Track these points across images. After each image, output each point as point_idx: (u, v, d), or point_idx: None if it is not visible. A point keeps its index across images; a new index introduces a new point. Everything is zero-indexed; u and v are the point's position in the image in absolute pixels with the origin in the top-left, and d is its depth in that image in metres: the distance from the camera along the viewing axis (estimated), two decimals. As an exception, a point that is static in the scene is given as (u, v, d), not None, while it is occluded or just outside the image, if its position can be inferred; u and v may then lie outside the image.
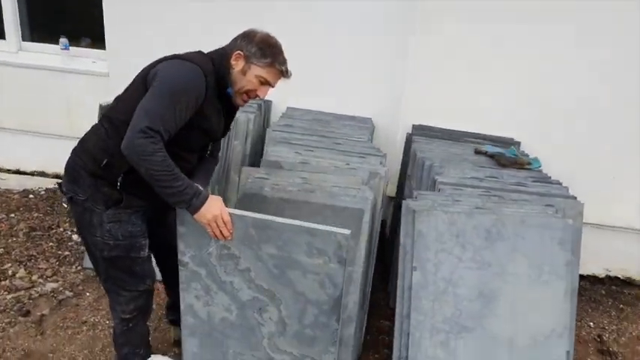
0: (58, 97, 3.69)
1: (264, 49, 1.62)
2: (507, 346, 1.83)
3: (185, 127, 1.56)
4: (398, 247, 2.75)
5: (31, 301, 2.55)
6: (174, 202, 1.50)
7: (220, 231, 1.52)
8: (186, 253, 1.61)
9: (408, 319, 1.89)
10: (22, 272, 2.79)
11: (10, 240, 3.09)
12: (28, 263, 2.88)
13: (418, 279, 1.89)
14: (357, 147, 2.63)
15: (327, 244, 1.45)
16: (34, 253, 2.97)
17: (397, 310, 1.94)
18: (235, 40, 1.66)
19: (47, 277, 2.77)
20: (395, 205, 2.96)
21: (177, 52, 1.65)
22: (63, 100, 3.70)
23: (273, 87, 1.69)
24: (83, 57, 3.77)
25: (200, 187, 1.54)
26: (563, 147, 2.89)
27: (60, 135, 3.65)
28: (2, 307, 2.48)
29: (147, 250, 1.77)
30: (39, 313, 2.46)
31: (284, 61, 1.65)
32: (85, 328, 2.38)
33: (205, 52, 1.69)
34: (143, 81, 1.59)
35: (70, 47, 3.76)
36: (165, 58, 1.61)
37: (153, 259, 2.07)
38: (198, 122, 1.60)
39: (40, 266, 2.86)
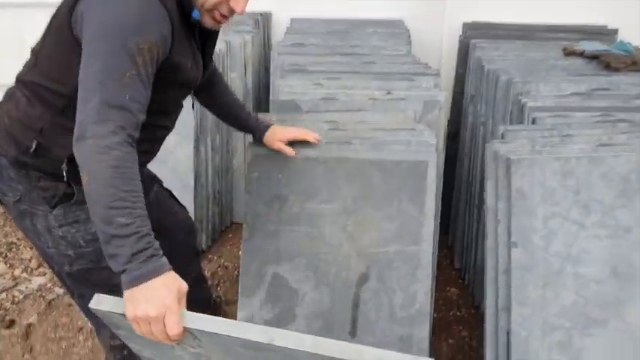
0: (11, 40, 2.97)
1: None
2: (658, 342, 1.28)
3: (153, 87, 0.97)
4: (459, 188, 2.15)
5: (15, 305, 2.09)
6: (105, 252, 0.87)
7: (154, 334, 0.84)
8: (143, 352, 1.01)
9: (507, 312, 1.33)
10: (2, 267, 2.31)
11: (-15, 225, 2.59)
12: (8, 254, 2.39)
13: (520, 258, 1.30)
14: (397, 64, 1.93)
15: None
16: (15, 240, 2.47)
17: (488, 301, 1.38)
18: None
19: (32, 269, 2.29)
20: (450, 135, 2.28)
21: None
22: (16, 42, 2.98)
23: None
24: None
25: (158, 249, 0.86)
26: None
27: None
28: (-18, 317, 2.03)
29: None
30: (25, 322, 1.99)
31: None
32: (81, 337, 1.92)
33: None
34: (67, 23, 0.98)
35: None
36: None
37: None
38: (170, 76, 1.04)
39: (23, 256, 2.37)
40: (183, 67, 1.08)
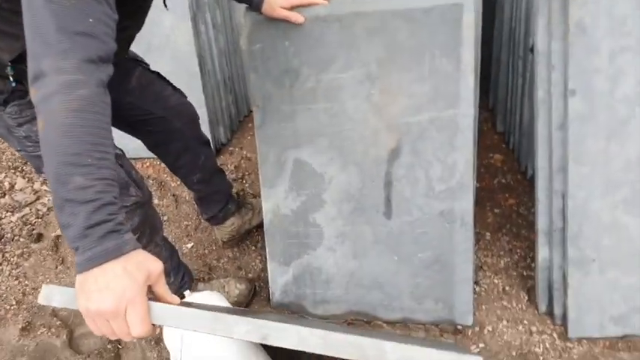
0: None
1: None
2: None
3: None
4: (499, 38, 1.84)
5: (40, 219, 2.06)
6: (59, 222, 0.67)
7: (116, 333, 0.66)
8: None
9: (562, 173, 1.17)
10: (21, 182, 2.26)
11: (-4, 141, 2.51)
12: (24, 168, 2.33)
13: (579, 108, 1.10)
14: None
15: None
16: (28, 154, 2.39)
17: (539, 163, 1.21)
18: None
19: (51, 181, 2.24)
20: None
21: None
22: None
23: None
24: None
25: (121, 223, 0.66)
26: None
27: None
28: (10, 235, 2.02)
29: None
30: (53, 234, 1.98)
31: None
32: (110, 243, 1.90)
33: None
34: None
35: None
36: None
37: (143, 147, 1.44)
38: None
39: (40, 169, 2.31)
40: None
